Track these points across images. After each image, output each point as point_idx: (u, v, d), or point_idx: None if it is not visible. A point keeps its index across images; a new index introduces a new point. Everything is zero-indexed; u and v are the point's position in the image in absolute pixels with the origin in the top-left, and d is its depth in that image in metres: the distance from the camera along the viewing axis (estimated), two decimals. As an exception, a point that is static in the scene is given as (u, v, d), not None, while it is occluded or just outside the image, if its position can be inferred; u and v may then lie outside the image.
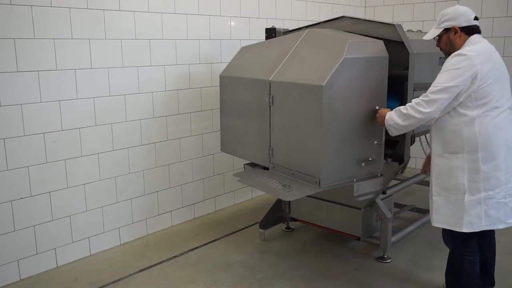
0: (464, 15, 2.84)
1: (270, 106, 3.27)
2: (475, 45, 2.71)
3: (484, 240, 3.04)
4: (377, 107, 3.03)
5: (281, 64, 3.27)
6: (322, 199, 3.86)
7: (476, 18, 2.87)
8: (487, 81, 2.60)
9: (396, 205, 4.50)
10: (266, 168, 3.46)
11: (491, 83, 2.61)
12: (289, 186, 3.09)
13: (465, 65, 2.60)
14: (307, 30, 3.48)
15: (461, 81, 2.59)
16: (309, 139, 3.03)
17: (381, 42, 3.15)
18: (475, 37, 2.78)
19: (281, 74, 3.23)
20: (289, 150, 3.22)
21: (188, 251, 3.91)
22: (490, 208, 2.69)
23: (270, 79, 3.25)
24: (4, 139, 3.25)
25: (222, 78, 3.74)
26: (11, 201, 3.33)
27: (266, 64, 3.38)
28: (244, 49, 3.81)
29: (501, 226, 2.76)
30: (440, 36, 2.85)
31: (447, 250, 3.84)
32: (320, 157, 2.96)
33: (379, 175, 3.19)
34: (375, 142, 3.10)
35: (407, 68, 3.24)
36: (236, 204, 5.02)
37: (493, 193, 2.67)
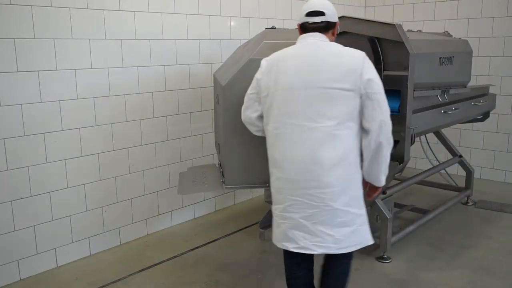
0: (301, 11, 2.49)
1: (216, 105, 3.44)
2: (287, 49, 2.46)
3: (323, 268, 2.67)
4: None
5: (233, 65, 3.30)
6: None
7: (309, 14, 2.43)
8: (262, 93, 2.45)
9: (396, 205, 4.50)
10: None
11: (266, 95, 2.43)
12: (204, 183, 3.28)
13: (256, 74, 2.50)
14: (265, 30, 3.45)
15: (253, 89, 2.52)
16: (221, 138, 3.12)
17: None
18: (300, 37, 2.46)
19: (223, 74, 3.30)
20: (222, 147, 3.33)
21: (188, 251, 3.91)
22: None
23: (217, 78, 3.37)
24: (4, 139, 3.25)
25: (214, 77, 3.77)
26: (11, 201, 3.33)
27: (232, 64, 3.42)
28: (237, 48, 3.82)
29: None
30: None
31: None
32: (225, 157, 2.99)
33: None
34: None
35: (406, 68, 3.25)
36: (236, 204, 5.02)
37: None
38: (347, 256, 2.51)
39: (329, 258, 2.57)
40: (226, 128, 2.98)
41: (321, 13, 2.41)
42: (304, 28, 2.43)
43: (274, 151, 2.42)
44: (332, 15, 2.44)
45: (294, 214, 2.39)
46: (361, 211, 2.41)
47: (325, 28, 2.42)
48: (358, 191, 2.39)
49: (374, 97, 2.26)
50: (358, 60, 2.28)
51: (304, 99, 2.29)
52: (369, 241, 2.45)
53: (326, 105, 2.26)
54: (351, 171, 2.34)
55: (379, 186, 2.47)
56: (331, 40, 2.45)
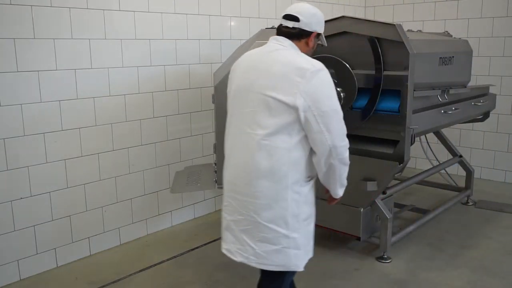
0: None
1: (214, 104, 3.47)
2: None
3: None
4: None
5: (229, 65, 3.32)
6: (322, 199, 3.86)
7: (284, 16, 2.35)
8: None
9: (396, 205, 4.50)
10: None
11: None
12: (198, 182, 3.33)
13: None
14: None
15: None
16: (216, 137, 3.17)
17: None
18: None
19: (220, 74, 3.34)
20: (216, 146, 3.36)
21: (188, 251, 3.91)
22: None
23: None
24: (4, 139, 3.25)
25: (214, 76, 3.77)
26: (11, 201, 3.33)
27: (228, 64, 3.46)
28: (237, 48, 3.83)
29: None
30: None
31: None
32: (218, 156, 3.01)
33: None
34: None
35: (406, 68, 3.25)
36: (236, 204, 5.01)
37: None
38: (278, 277, 2.35)
39: (263, 274, 2.45)
40: (217, 128, 2.99)
41: (295, 18, 2.27)
42: (278, 30, 2.32)
43: (224, 149, 2.39)
44: (308, 24, 2.26)
45: (227, 216, 2.35)
46: (291, 233, 2.21)
47: (297, 35, 2.27)
48: (286, 211, 2.18)
49: (320, 118, 2.09)
50: (306, 73, 2.08)
51: (246, 103, 2.20)
52: (298, 267, 2.27)
53: (261, 113, 2.14)
54: (280, 187, 2.16)
55: (336, 198, 2.39)
56: (303, 50, 2.27)
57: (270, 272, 2.31)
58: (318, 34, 2.35)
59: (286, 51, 2.21)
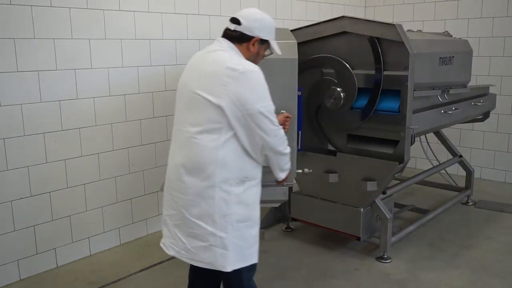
0: None
1: None
2: None
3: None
4: (283, 111, 2.79)
5: None
6: (322, 199, 3.87)
7: (230, 19, 2.40)
8: None
9: (396, 205, 4.50)
10: None
11: None
12: None
13: None
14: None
15: None
16: None
17: (294, 43, 2.99)
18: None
19: None
20: None
21: (188, 251, 3.90)
22: None
23: None
24: (4, 139, 3.25)
25: None
26: (11, 201, 3.33)
27: None
28: None
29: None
30: None
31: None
32: None
33: (284, 184, 2.91)
34: None
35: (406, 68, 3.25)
36: (236, 204, 5.01)
37: None
38: (231, 277, 2.37)
39: (221, 277, 2.46)
40: None
41: (237, 21, 2.31)
42: (223, 32, 2.37)
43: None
44: (250, 28, 2.29)
45: (164, 210, 2.40)
46: (218, 232, 2.21)
47: (238, 38, 2.30)
48: (213, 209, 2.20)
49: (249, 118, 2.15)
50: (235, 74, 2.12)
51: (183, 101, 2.27)
52: (224, 268, 2.24)
53: (191, 111, 2.21)
54: (207, 185, 2.19)
55: (279, 180, 2.48)
56: (246, 55, 2.30)
57: (226, 275, 2.33)
58: (264, 41, 2.36)
59: (224, 53, 2.25)
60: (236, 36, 2.31)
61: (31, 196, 3.42)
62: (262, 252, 3.87)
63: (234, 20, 2.33)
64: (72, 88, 3.55)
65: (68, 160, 3.59)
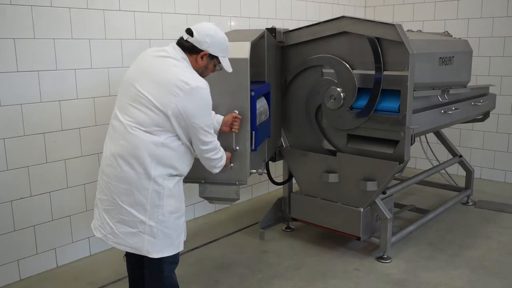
0: None
1: None
2: None
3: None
4: (236, 111, 2.93)
5: None
6: (322, 199, 3.87)
7: (186, 29, 2.52)
8: None
9: (396, 205, 4.51)
10: None
11: None
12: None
13: None
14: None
15: None
16: None
17: (248, 43, 3.00)
18: None
19: None
20: None
21: (188, 251, 3.90)
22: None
23: None
24: (4, 139, 3.25)
25: None
26: (11, 201, 3.33)
27: None
28: None
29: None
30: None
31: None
32: None
33: (236, 183, 3.05)
34: (236, 148, 2.99)
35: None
36: (236, 204, 5.02)
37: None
38: (158, 262, 2.50)
39: (145, 261, 2.57)
40: None
41: (190, 32, 2.45)
42: (178, 40, 2.50)
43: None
44: (200, 42, 2.43)
45: (97, 193, 2.55)
46: (148, 220, 2.40)
47: (189, 49, 2.45)
48: (146, 200, 2.38)
49: (191, 129, 2.38)
50: (185, 88, 2.31)
51: (127, 95, 2.40)
52: (150, 254, 2.43)
53: (137, 109, 2.34)
54: (143, 177, 2.36)
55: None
56: (194, 66, 2.46)
57: (150, 259, 2.46)
58: (214, 57, 2.50)
59: (176, 62, 2.40)
60: (187, 47, 2.46)
61: (31, 196, 3.42)
62: (262, 252, 3.89)
63: (189, 31, 2.46)
64: (72, 88, 3.55)
65: (68, 160, 3.59)
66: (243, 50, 2.94)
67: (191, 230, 4.35)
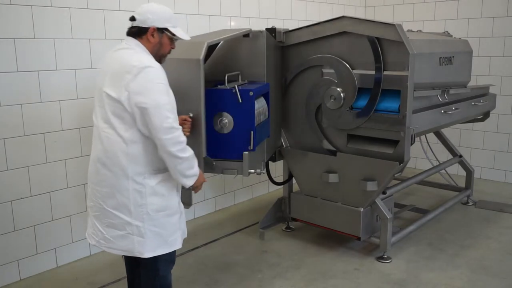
0: None
1: None
2: None
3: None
4: (190, 114, 2.87)
5: None
6: (322, 199, 3.87)
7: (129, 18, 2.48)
8: None
9: (396, 205, 4.51)
10: None
11: None
12: None
13: None
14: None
15: None
16: None
17: (203, 42, 2.92)
18: None
19: None
20: None
21: (188, 251, 3.91)
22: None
23: None
24: (4, 139, 3.25)
25: None
26: (11, 201, 3.33)
27: None
28: None
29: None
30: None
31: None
32: None
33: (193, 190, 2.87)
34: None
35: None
36: (236, 204, 5.02)
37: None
38: (153, 261, 2.48)
39: (140, 265, 2.57)
40: None
41: (132, 19, 2.44)
42: (127, 31, 2.47)
43: None
44: (143, 20, 2.40)
45: (87, 202, 2.56)
46: (134, 221, 2.38)
47: (138, 33, 2.42)
48: (128, 200, 2.36)
49: (145, 111, 2.24)
50: (133, 70, 2.24)
51: (96, 99, 2.40)
52: (142, 254, 2.41)
53: (102, 108, 2.34)
54: (121, 178, 2.35)
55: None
56: (149, 47, 2.41)
57: (145, 258, 2.44)
58: (163, 31, 2.43)
59: (128, 50, 2.37)
60: (135, 31, 2.43)
61: (31, 196, 3.42)
62: (262, 252, 3.89)
63: (131, 18, 2.45)
64: (72, 88, 3.55)
65: (68, 160, 3.59)
66: (197, 51, 2.86)
67: (191, 230, 4.33)
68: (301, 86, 3.84)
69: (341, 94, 3.53)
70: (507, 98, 5.45)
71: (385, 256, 3.67)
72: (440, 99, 3.87)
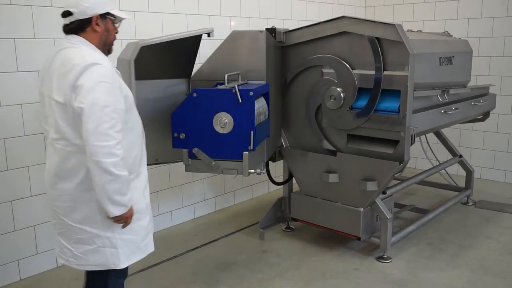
0: None
1: None
2: None
3: None
4: None
5: None
6: (322, 199, 3.87)
7: (61, 15, 2.24)
8: None
9: (396, 205, 4.51)
10: None
11: None
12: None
13: None
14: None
15: None
16: None
17: (137, 43, 2.91)
18: None
19: None
20: None
21: (188, 251, 3.91)
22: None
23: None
24: (4, 139, 3.25)
25: None
26: (11, 201, 3.33)
27: None
28: None
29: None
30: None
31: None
32: None
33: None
34: None
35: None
36: (236, 204, 5.02)
37: None
38: (102, 276, 2.33)
39: (88, 277, 2.45)
40: None
41: (67, 13, 2.19)
42: (63, 30, 2.25)
43: None
44: (82, 11, 2.16)
45: (51, 219, 2.34)
46: (103, 232, 2.21)
47: (80, 27, 2.19)
48: (94, 211, 2.18)
49: (79, 110, 2.00)
50: (76, 68, 2.04)
51: (44, 108, 2.21)
52: (117, 265, 2.26)
53: (52, 117, 2.13)
54: (83, 189, 2.15)
55: (109, 216, 2.15)
56: (96, 38, 2.22)
57: (93, 274, 2.33)
58: (105, 16, 2.23)
59: (71, 49, 2.16)
60: (76, 27, 2.20)
61: (31, 196, 3.42)
62: (262, 252, 3.89)
63: (65, 14, 2.20)
64: (72, 88, 3.55)
65: (68, 160, 3.59)
66: (129, 52, 2.83)
67: (191, 230, 4.35)
68: (301, 86, 3.84)
69: (341, 94, 3.53)
70: (507, 98, 5.45)
71: (385, 256, 3.67)
72: (440, 99, 3.87)
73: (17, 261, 3.41)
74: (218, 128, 3.06)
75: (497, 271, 3.52)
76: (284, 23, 5.20)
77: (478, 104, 4.42)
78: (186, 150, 3.15)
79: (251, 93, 3.00)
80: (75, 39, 2.20)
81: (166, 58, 3.29)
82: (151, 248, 2.44)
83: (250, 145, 3.04)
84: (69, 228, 2.24)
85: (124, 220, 2.20)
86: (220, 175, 4.78)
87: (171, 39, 3.11)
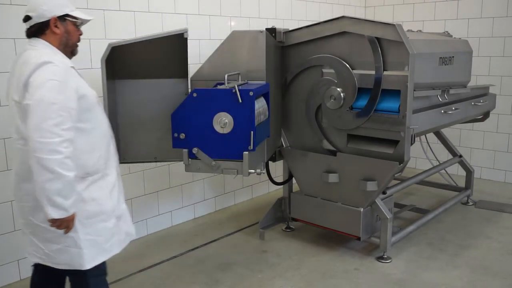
0: None
1: None
2: None
3: None
4: None
5: None
6: (322, 199, 3.87)
7: (23, 20, 2.24)
8: None
9: (396, 205, 4.51)
10: None
11: None
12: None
13: None
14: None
15: None
16: None
17: (108, 45, 2.96)
18: None
19: None
20: None
21: (188, 251, 3.91)
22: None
23: None
24: (4, 139, 3.25)
25: None
26: (11, 201, 3.33)
27: None
28: None
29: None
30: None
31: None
32: None
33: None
34: None
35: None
36: (236, 204, 5.02)
37: None
38: (82, 277, 2.32)
39: (69, 277, 2.44)
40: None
41: (27, 18, 2.21)
42: (26, 34, 2.27)
43: None
44: (40, 15, 2.18)
45: (19, 218, 2.36)
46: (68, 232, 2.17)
47: (40, 31, 2.21)
48: None
49: (26, 107, 2.01)
50: (30, 67, 2.05)
51: (12, 111, 2.22)
52: (82, 266, 2.24)
53: (14, 118, 2.17)
54: None
55: (47, 218, 2.08)
56: (56, 40, 2.23)
57: (73, 275, 2.33)
58: (64, 18, 2.26)
59: (31, 51, 2.19)
60: (36, 30, 2.22)
61: (31, 196, 3.42)
62: (262, 252, 3.89)
63: (25, 18, 2.23)
64: (72, 88, 3.55)
65: (68, 160, 3.59)
66: (103, 52, 2.91)
67: (191, 230, 4.35)
68: (301, 86, 3.84)
69: (341, 94, 3.53)
70: (507, 98, 5.46)
71: (385, 256, 3.67)
72: (440, 99, 3.87)
73: (17, 261, 3.41)
74: (218, 128, 3.06)
75: (497, 271, 3.52)
76: (284, 23, 5.20)
77: (478, 104, 4.42)
78: (186, 150, 3.15)
79: (251, 93, 3.00)
80: (36, 41, 2.23)
81: (157, 58, 3.30)
82: (116, 250, 2.41)
83: (250, 145, 3.05)
84: (37, 228, 2.25)
85: (64, 225, 2.12)
86: (220, 175, 4.78)
87: (143, 40, 3.13)
